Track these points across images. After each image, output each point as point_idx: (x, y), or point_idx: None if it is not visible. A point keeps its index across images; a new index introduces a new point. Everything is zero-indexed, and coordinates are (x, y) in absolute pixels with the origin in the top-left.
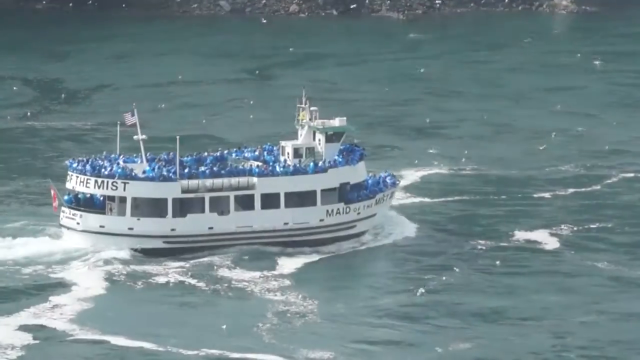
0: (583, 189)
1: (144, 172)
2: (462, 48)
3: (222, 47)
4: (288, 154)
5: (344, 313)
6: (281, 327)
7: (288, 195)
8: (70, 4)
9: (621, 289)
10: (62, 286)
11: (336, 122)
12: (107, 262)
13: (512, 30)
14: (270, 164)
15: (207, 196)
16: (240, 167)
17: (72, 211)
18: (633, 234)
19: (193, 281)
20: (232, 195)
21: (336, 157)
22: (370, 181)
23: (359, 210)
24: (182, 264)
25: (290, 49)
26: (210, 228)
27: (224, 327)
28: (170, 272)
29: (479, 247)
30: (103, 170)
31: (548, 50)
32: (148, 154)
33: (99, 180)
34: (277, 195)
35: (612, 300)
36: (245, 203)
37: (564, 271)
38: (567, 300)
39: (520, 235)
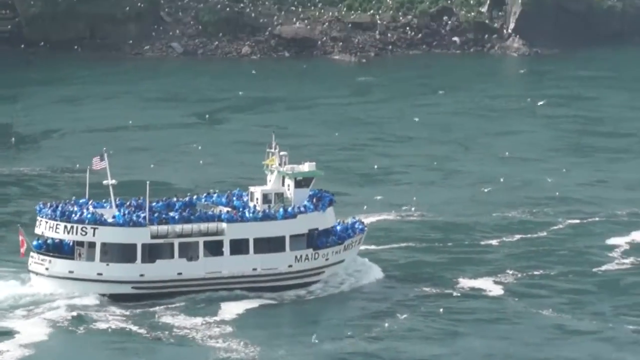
0: (529, 235)
1: (113, 217)
2: (413, 91)
3: (173, 91)
4: (257, 199)
5: (287, 359)
6: None
7: (257, 241)
8: (22, 45)
9: (564, 336)
10: (6, 333)
11: (305, 167)
12: (51, 307)
13: (463, 73)
14: (240, 209)
15: (176, 242)
16: (210, 212)
17: (41, 256)
18: (577, 281)
19: (134, 327)
20: (201, 240)
21: (306, 203)
22: (339, 227)
23: (327, 256)
24: (123, 310)
25: (240, 93)
26: (179, 274)
27: None
28: (111, 318)
29: (423, 294)
30: (73, 215)
31: (498, 94)
32: (117, 199)
33: (69, 225)
34: (246, 240)
35: (555, 348)
36: (215, 249)
37: (508, 318)
38: (510, 347)
39: (465, 282)
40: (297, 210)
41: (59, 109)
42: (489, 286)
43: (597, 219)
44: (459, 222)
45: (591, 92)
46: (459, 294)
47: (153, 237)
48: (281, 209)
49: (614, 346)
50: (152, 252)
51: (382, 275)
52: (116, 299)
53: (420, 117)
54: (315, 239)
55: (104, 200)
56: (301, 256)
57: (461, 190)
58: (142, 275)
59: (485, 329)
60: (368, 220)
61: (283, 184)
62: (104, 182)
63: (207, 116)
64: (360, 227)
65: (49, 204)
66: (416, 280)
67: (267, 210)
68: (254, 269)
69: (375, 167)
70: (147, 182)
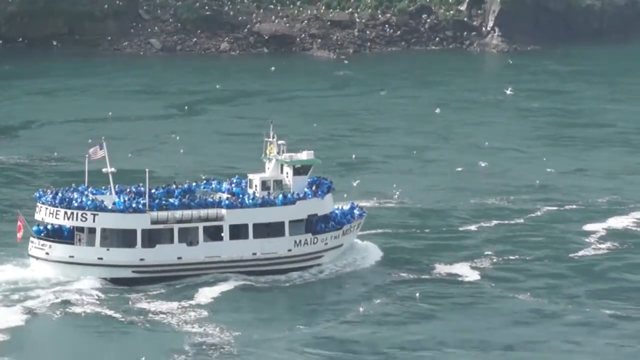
0: (506, 222)
1: (113, 203)
2: (392, 85)
3: (151, 84)
4: (256, 186)
5: (261, 343)
6: (197, 358)
7: (256, 226)
8: (0, 41)
9: (540, 320)
10: None
11: (304, 155)
12: (27, 294)
13: (441, 68)
14: (239, 196)
15: (176, 227)
16: (210, 199)
17: (41, 241)
18: (553, 266)
19: (109, 312)
20: (201, 226)
21: (305, 190)
22: (337, 213)
23: (326, 240)
24: (99, 294)
25: (217, 86)
26: (179, 258)
27: (143, 359)
28: (86, 302)
29: (400, 279)
30: (73, 202)
31: (476, 87)
32: (117, 186)
33: (69, 211)
34: (246, 226)
35: (532, 331)
36: (214, 234)
37: (484, 303)
38: (486, 331)
39: (442, 267)
40: (297, 196)
41: (37, 100)
42: (466, 271)
43: (574, 206)
44: (437, 208)
45: (570, 86)
46: (435, 279)
47: (153, 222)
48: (280, 195)
49: (589, 330)
50: (152, 238)
51: (353, 261)
52: (117, 282)
53: (399, 109)
54: (314, 225)
55: (103, 188)
56: (300, 241)
57: (439, 178)
58: (142, 259)
59: (462, 313)
60: (346, 207)
61: (281, 172)
62: (104, 170)
63: (186, 107)
64: (359, 212)
65: (49, 191)
66: (393, 265)
67: (266, 197)
68: (254, 254)
69: (353, 156)
70: (147, 170)
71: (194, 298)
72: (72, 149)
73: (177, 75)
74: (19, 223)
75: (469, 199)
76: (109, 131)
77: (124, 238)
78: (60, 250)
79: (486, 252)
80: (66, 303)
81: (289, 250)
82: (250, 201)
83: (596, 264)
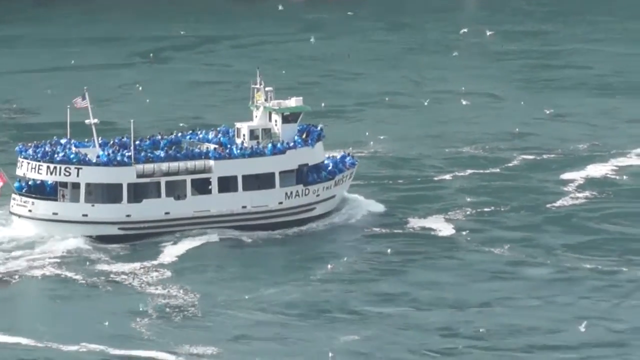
0: (482, 171)
1: (97, 156)
2: (364, 28)
3: (114, 31)
4: (244, 135)
5: (226, 306)
6: (161, 322)
7: (246, 178)
8: None
9: (517, 275)
10: None
11: (292, 102)
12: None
13: (416, 10)
14: (227, 146)
15: (163, 180)
16: (197, 150)
17: (24, 198)
18: (529, 217)
19: (70, 274)
20: (188, 179)
21: (295, 138)
22: (329, 162)
23: (318, 192)
24: (61, 254)
25: (182, 32)
26: (167, 213)
27: (106, 323)
28: (47, 264)
29: (371, 233)
30: (55, 155)
31: (452, 29)
32: (100, 139)
33: (52, 166)
34: (235, 178)
35: (508, 287)
36: (202, 187)
37: (459, 257)
38: (461, 288)
39: (415, 221)
40: (286, 145)
41: None
42: (440, 225)
43: (552, 154)
44: (411, 157)
45: (547, 26)
46: (408, 234)
47: (139, 176)
48: (270, 145)
49: (566, 284)
50: (139, 192)
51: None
52: (103, 240)
53: (371, 54)
54: (305, 175)
55: (86, 140)
56: (291, 193)
57: (413, 126)
58: (128, 215)
59: (436, 269)
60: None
61: (270, 120)
62: (86, 121)
63: (151, 55)
64: (351, 161)
65: (30, 145)
66: (362, 220)
67: (255, 147)
68: (244, 207)
69: (323, 105)
70: (132, 121)
71: (157, 258)
72: (30, 100)
73: (138, 20)
74: None
75: (443, 147)
76: (68, 81)
77: (109, 193)
78: (43, 207)
79: (461, 204)
80: (23, 267)
81: (280, 203)
82: (239, 151)
83: (574, 214)
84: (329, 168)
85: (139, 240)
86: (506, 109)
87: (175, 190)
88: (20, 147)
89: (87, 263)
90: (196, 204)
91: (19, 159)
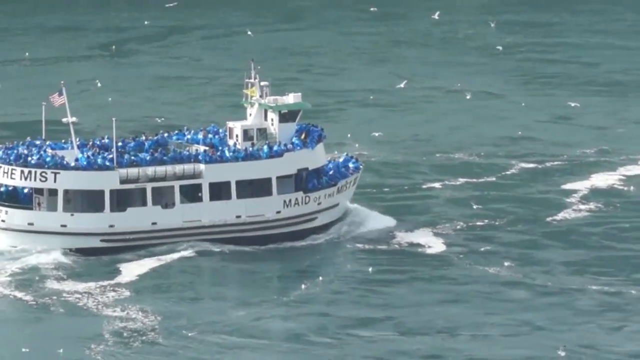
0: (475, 180)
1: (76, 159)
2: (348, 17)
3: (73, 20)
4: (237, 136)
5: (189, 329)
6: (117, 347)
7: (240, 183)
8: None
9: (514, 297)
10: None
11: (290, 98)
12: None
13: None
14: (219, 148)
15: (149, 186)
16: (185, 152)
17: None
18: (528, 232)
19: (19, 294)
20: (177, 185)
21: (293, 139)
22: (330, 166)
23: (319, 200)
24: (6, 274)
25: (146, 22)
26: (154, 223)
27: (60, 350)
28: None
29: (351, 250)
30: (29, 158)
31: (448, 20)
32: (77, 140)
33: (26, 170)
34: (228, 184)
35: (504, 311)
36: (192, 194)
37: (450, 277)
38: (454, 311)
39: (401, 235)
40: (284, 147)
41: None
42: (429, 239)
43: (555, 162)
44: (397, 163)
45: (550, 16)
46: (394, 250)
47: (122, 181)
48: (265, 147)
49: (568, 308)
50: (122, 200)
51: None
52: (83, 253)
53: (355, 46)
54: (305, 181)
55: (62, 141)
56: (290, 200)
57: (401, 128)
58: (111, 226)
59: (423, 290)
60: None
61: (266, 119)
62: (64, 119)
63: (113, 47)
64: (355, 164)
65: (1, 146)
66: (341, 233)
67: (249, 149)
68: (238, 217)
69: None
70: (114, 119)
71: (115, 277)
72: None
73: (99, 9)
74: None
75: (433, 152)
76: (22, 76)
77: (90, 201)
78: (18, 216)
79: (452, 216)
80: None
81: (278, 212)
82: (232, 154)
83: (577, 229)
84: (330, 173)
85: (122, 253)
86: (504, 109)
87: (163, 198)
88: None
89: (37, 279)
90: (186, 213)
91: None
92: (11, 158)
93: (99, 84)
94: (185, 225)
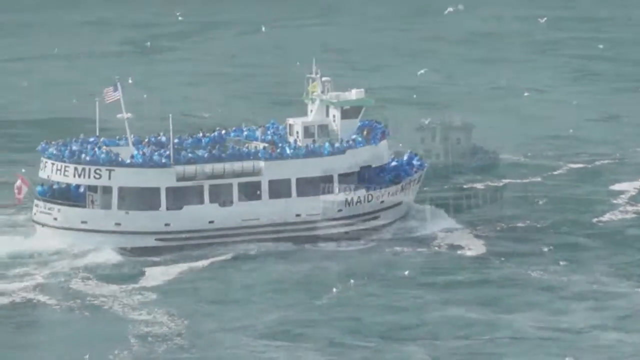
0: (520, 180)
1: (131, 156)
2: (387, 13)
3: (103, 15)
4: (297, 133)
5: (217, 333)
6: (142, 352)
7: (300, 181)
8: None
9: (556, 301)
10: None
11: (353, 94)
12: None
13: None
14: (279, 145)
15: (206, 184)
16: (244, 149)
17: (48, 205)
18: (572, 234)
19: (43, 298)
20: (235, 182)
21: (355, 136)
22: (393, 164)
23: (382, 198)
24: (32, 277)
25: (179, 17)
26: (211, 222)
27: (87, 357)
28: (16, 289)
29: (384, 252)
30: (84, 155)
31: (490, 15)
32: (132, 136)
33: (79, 167)
34: (288, 181)
35: (547, 314)
36: (251, 192)
37: (492, 280)
38: (494, 317)
39: (440, 237)
40: (346, 144)
41: None
42: (469, 242)
43: (604, 161)
44: (437, 163)
45: (603, 11)
46: (432, 252)
47: (179, 179)
48: (327, 144)
49: (614, 313)
50: (179, 197)
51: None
52: (138, 252)
53: (395, 42)
54: (368, 179)
55: (117, 138)
56: (352, 199)
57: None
58: (167, 224)
59: (464, 294)
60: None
61: (327, 115)
62: (118, 115)
63: (148, 44)
64: (419, 162)
65: (54, 143)
66: (380, 235)
67: (310, 146)
68: (298, 215)
69: None
70: (170, 115)
71: (140, 280)
72: (8, 93)
73: (131, 5)
74: (18, 182)
75: (476, 152)
76: (52, 73)
77: (146, 199)
78: (71, 215)
79: (494, 218)
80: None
81: (340, 210)
82: (292, 151)
83: (623, 230)
84: (394, 171)
85: (177, 252)
86: (553, 107)
87: (221, 196)
88: (43, 145)
89: (62, 284)
90: (244, 211)
91: (42, 158)
92: (65, 155)
93: (130, 81)
94: (243, 224)
